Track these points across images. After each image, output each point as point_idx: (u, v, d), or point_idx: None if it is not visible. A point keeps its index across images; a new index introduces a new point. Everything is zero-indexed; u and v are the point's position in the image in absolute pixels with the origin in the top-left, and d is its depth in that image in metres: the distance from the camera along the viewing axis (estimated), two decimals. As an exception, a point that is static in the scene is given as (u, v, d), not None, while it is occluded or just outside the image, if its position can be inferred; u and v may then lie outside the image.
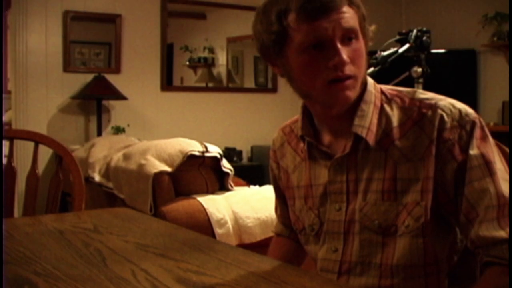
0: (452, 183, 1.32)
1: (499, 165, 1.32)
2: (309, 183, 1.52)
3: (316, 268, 1.53)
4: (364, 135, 1.39)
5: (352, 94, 1.37)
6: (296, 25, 1.32)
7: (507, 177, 1.32)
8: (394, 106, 1.41)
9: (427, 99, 1.39)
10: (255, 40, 1.44)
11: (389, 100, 1.43)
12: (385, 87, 1.47)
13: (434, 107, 1.36)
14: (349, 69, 1.33)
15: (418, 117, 1.37)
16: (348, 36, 1.33)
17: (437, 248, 1.36)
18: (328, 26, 1.30)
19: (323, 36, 1.31)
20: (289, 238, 1.73)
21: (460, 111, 1.35)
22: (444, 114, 1.34)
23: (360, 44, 1.36)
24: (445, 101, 1.38)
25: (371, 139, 1.39)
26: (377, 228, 1.38)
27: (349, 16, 1.33)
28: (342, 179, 1.44)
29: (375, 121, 1.40)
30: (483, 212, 1.27)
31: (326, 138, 1.48)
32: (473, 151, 1.31)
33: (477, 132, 1.33)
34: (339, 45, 1.32)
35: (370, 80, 1.45)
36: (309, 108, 1.49)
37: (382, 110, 1.42)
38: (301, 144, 1.54)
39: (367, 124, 1.39)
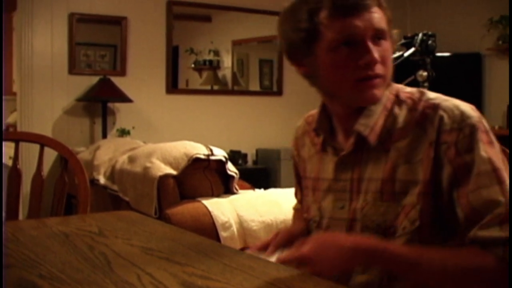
0: (447, 188, 1.31)
1: (505, 173, 1.30)
2: (317, 176, 1.54)
3: None
4: (366, 134, 1.40)
5: (379, 93, 1.39)
6: (328, 22, 1.34)
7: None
8: (404, 108, 1.42)
9: (432, 99, 1.39)
10: (281, 40, 1.46)
11: (400, 102, 1.43)
12: (402, 89, 1.48)
13: (436, 107, 1.35)
14: (378, 68, 1.36)
15: (421, 117, 1.37)
16: (378, 36, 1.36)
17: None
18: (360, 24, 1.33)
19: (355, 34, 1.34)
20: None
21: (462, 113, 1.33)
22: (445, 115, 1.33)
23: (388, 45, 1.39)
24: (449, 102, 1.36)
25: (372, 138, 1.40)
26: (376, 228, 1.38)
27: (379, 16, 1.36)
28: (347, 177, 1.45)
29: (380, 122, 1.41)
30: (489, 218, 1.26)
31: (340, 136, 1.50)
32: (480, 156, 1.29)
33: (482, 136, 1.31)
34: (370, 44, 1.35)
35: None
36: (329, 107, 1.51)
37: (391, 112, 1.42)
38: (316, 138, 1.56)
39: (371, 124, 1.41)
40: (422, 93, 1.43)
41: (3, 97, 6.58)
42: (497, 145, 1.34)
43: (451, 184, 1.31)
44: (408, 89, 1.48)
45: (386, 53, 1.38)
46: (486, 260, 1.24)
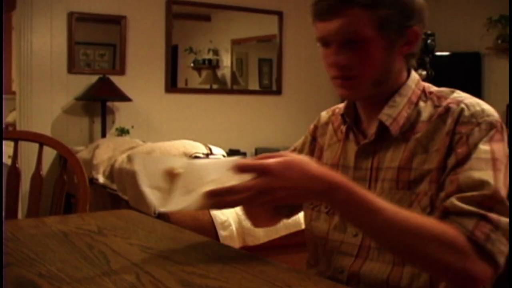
0: (446, 174, 1.32)
1: (503, 166, 1.31)
2: (337, 163, 1.55)
3: (319, 247, 1.56)
4: (388, 123, 1.44)
5: (351, 93, 1.46)
6: (313, 23, 1.45)
7: (507, 184, 1.30)
8: (429, 103, 1.45)
9: (459, 96, 1.42)
10: None
11: (426, 98, 1.47)
12: (428, 87, 1.51)
13: (460, 102, 1.39)
14: (348, 70, 1.41)
15: (444, 110, 1.40)
16: (349, 40, 1.39)
17: None
18: (329, 28, 1.39)
19: (325, 37, 1.42)
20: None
21: (483, 110, 1.37)
22: (466, 109, 1.36)
23: (368, 47, 1.39)
24: (473, 100, 1.40)
25: (394, 128, 1.43)
26: None
27: (353, 20, 1.37)
28: (367, 166, 1.47)
29: (404, 114, 1.44)
30: (472, 194, 1.25)
31: (364, 125, 1.54)
32: (484, 146, 1.31)
33: (496, 135, 1.34)
34: (337, 48, 1.40)
35: (414, 77, 1.50)
36: None
37: (416, 106, 1.46)
38: (342, 126, 1.59)
39: (395, 114, 1.44)
40: (452, 92, 1.46)
41: (3, 96, 6.58)
42: (506, 147, 1.35)
43: (449, 171, 1.32)
44: (436, 88, 1.51)
45: (361, 56, 1.39)
46: (452, 230, 1.22)
